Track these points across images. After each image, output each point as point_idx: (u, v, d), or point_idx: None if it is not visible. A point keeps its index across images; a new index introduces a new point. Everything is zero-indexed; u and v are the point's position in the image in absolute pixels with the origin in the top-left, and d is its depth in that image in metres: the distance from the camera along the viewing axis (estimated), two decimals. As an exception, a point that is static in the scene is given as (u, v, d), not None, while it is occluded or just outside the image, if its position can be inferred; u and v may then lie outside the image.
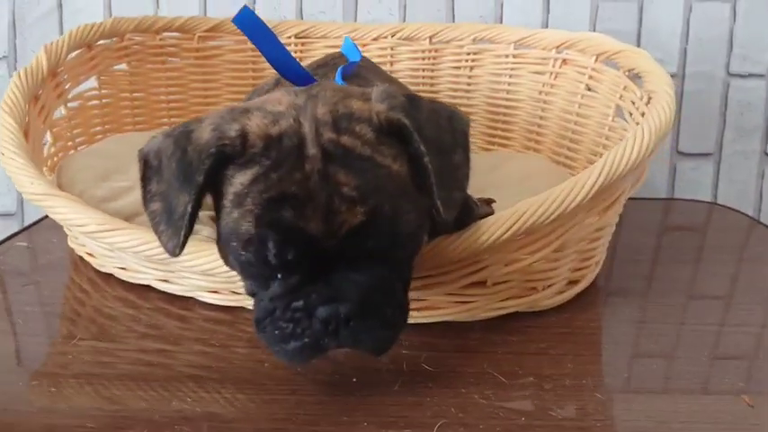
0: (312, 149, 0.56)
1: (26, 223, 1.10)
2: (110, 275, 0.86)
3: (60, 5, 1.25)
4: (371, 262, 0.56)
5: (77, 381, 0.65)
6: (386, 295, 0.57)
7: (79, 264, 0.90)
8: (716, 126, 1.28)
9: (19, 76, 0.89)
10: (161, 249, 0.69)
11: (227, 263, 0.62)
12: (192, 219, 0.56)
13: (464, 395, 0.63)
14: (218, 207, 0.59)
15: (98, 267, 0.86)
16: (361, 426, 0.58)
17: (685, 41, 1.25)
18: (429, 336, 0.72)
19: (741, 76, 1.26)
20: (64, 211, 0.72)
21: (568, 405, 0.62)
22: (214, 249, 0.70)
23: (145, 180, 0.60)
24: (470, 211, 0.67)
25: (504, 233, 0.66)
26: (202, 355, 0.70)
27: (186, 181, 0.56)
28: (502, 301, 0.75)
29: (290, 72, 0.73)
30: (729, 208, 1.19)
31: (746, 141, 1.28)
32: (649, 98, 0.83)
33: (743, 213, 1.16)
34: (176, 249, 0.57)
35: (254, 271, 0.57)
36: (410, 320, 0.72)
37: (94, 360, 0.69)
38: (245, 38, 1.17)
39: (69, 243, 0.91)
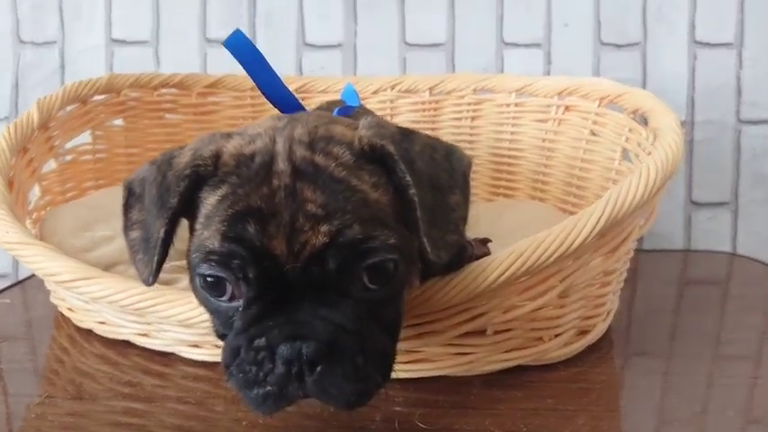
0: (282, 165, 0.52)
1: (19, 286, 1.08)
2: (90, 332, 0.81)
3: (62, 66, 1.26)
4: (344, 297, 0.51)
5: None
6: (360, 339, 0.51)
7: (61, 321, 0.86)
8: (730, 174, 1.24)
9: (8, 129, 0.88)
10: (137, 298, 0.66)
11: (197, 298, 0.58)
12: (166, 244, 0.54)
13: (463, 453, 0.56)
14: (192, 234, 0.56)
15: (78, 323, 0.82)
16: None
17: (692, 89, 1.23)
18: (424, 391, 0.66)
19: (752, 123, 1.23)
20: (37, 259, 0.69)
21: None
22: (192, 298, 0.66)
23: (126, 208, 0.58)
24: (463, 251, 0.62)
25: (502, 275, 0.60)
26: (179, 415, 0.65)
27: (162, 205, 0.54)
28: (504, 352, 0.69)
29: (281, 100, 0.70)
30: (751, 258, 1.13)
31: (763, 189, 1.23)
32: (655, 136, 0.79)
33: (765, 263, 1.10)
34: (150, 278, 0.54)
35: (217, 299, 0.53)
36: (403, 374, 0.66)
37: (70, 422, 0.64)
38: (244, 94, 1.19)
39: (51, 299, 0.88)
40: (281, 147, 0.54)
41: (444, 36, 1.24)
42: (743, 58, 1.22)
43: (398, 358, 0.58)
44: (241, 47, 0.69)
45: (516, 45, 1.24)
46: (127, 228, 0.58)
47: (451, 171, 0.57)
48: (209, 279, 0.52)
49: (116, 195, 0.91)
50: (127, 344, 0.78)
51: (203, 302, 0.55)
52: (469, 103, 1.13)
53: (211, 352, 0.72)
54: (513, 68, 1.23)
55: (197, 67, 1.25)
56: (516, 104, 1.09)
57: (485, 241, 0.69)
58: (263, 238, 0.50)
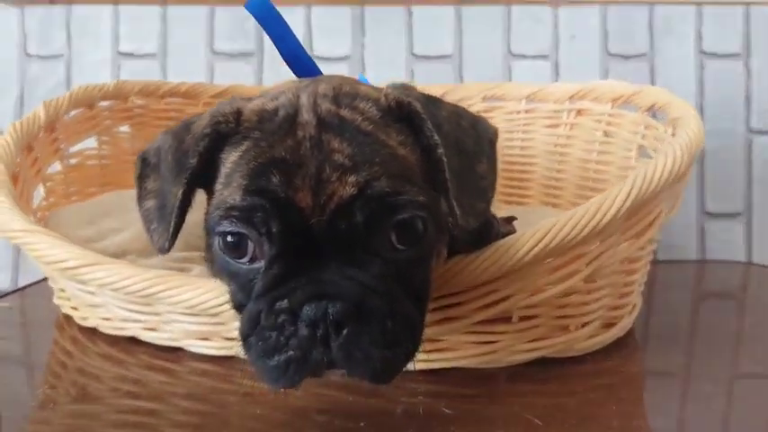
0: (307, 116, 0.50)
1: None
2: (94, 332, 0.78)
3: (68, 80, 1.25)
4: (372, 257, 0.48)
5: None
6: (389, 302, 0.48)
7: (63, 323, 0.83)
8: (742, 184, 1.22)
9: (14, 126, 0.86)
10: (145, 284, 0.63)
11: (212, 270, 0.55)
12: (183, 208, 0.51)
13: (493, 438, 0.53)
14: (210, 199, 0.53)
15: (81, 322, 0.79)
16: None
17: (701, 99, 1.22)
18: (447, 384, 0.63)
19: (763, 133, 1.22)
20: (42, 246, 0.66)
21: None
22: (201, 284, 0.63)
23: (141, 178, 0.56)
24: (490, 229, 0.60)
25: (530, 252, 0.58)
26: (188, 413, 0.61)
27: (180, 170, 0.51)
28: (529, 342, 0.66)
29: (301, 65, 0.68)
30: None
31: (777, 199, 1.22)
32: (675, 127, 0.78)
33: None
34: (165, 244, 0.51)
35: (236, 261, 0.50)
36: (425, 365, 0.63)
37: (74, 424, 0.60)
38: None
39: (55, 300, 0.84)
40: (305, 100, 0.52)
41: (452, 48, 1.24)
42: (750, 68, 1.22)
43: (420, 347, 0.55)
44: (263, 9, 0.67)
45: (524, 56, 1.24)
46: (141, 198, 0.55)
47: (478, 139, 0.55)
48: (229, 238, 0.49)
49: (122, 195, 0.90)
50: (132, 341, 0.74)
51: (222, 267, 0.52)
52: (479, 111, 1.12)
53: (221, 345, 0.69)
54: (520, 80, 1.23)
55: (204, 81, 1.24)
56: (527, 111, 1.09)
57: (510, 219, 0.67)
58: (287, 189, 0.47)
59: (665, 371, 0.69)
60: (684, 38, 1.22)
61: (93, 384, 0.67)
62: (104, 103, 1.03)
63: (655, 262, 0.92)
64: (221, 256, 0.51)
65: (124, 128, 1.07)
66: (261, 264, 0.49)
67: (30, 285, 0.98)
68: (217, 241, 0.50)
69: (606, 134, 0.98)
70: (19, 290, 0.98)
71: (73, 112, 0.97)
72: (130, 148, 1.07)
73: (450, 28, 1.24)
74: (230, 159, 0.51)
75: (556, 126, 1.05)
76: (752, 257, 1.21)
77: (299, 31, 1.23)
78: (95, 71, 1.24)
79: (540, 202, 1.07)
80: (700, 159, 1.22)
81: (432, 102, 0.55)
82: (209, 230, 0.51)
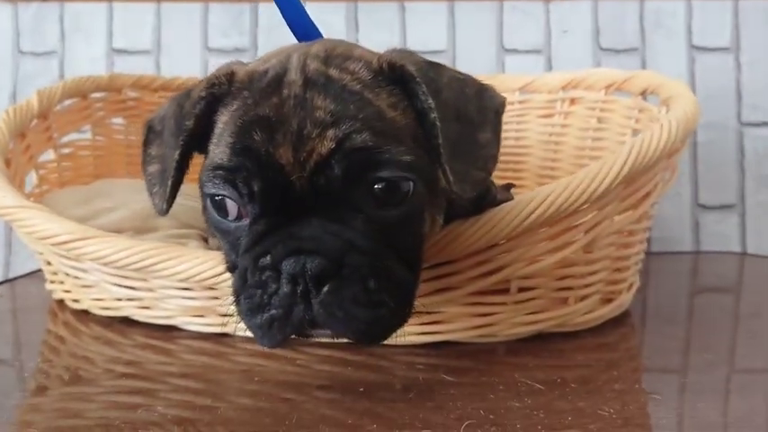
0: (294, 75, 0.51)
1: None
2: (86, 315, 0.77)
3: (62, 77, 1.24)
4: (354, 214, 0.48)
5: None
6: (373, 261, 0.47)
7: (56, 309, 0.81)
8: (735, 176, 1.23)
9: (7, 112, 0.85)
10: (139, 257, 0.62)
11: (208, 223, 0.55)
12: (180, 169, 0.52)
13: (494, 400, 0.52)
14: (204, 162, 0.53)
15: (74, 305, 0.78)
16: (370, 428, 0.47)
17: (692, 92, 1.23)
18: (445, 357, 0.62)
19: (754, 125, 1.23)
20: (35, 222, 0.65)
21: (620, 405, 0.51)
22: (198, 254, 0.62)
23: (146, 144, 0.56)
24: (486, 194, 0.59)
25: (527, 218, 0.58)
26: (184, 391, 0.59)
27: (178, 132, 0.52)
28: (528, 314, 0.65)
29: (305, 35, 0.68)
30: (763, 256, 1.11)
31: (769, 191, 1.22)
32: (669, 104, 0.78)
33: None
34: (164, 205, 0.52)
35: (225, 219, 0.50)
36: (423, 338, 0.63)
37: (67, 407, 0.57)
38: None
39: (47, 286, 0.83)
40: (294, 60, 0.52)
41: (445, 43, 1.25)
42: (741, 62, 1.23)
43: (417, 320, 0.54)
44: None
45: (516, 51, 1.24)
46: (145, 163, 0.56)
47: (482, 108, 0.54)
48: (216, 198, 0.50)
49: (115, 182, 0.90)
50: (126, 322, 0.73)
51: (214, 226, 0.52)
52: (473, 104, 1.12)
53: (215, 321, 0.68)
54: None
55: (198, 76, 1.24)
56: (520, 102, 1.09)
57: (508, 186, 0.67)
58: (269, 146, 0.47)
59: (663, 347, 0.69)
60: (675, 32, 1.23)
61: (85, 367, 0.65)
62: (98, 95, 1.03)
63: (649, 254, 0.92)
64: (212, 215, 0.51)
65: (117, 120, 1.06)
66: (247, 221, 0.50)
67: (20, 277, 0.97)
68: (207, 201, 0.51)
69: (600, 120, 0.98)
70: (8, 281, 0.97)
71: (66, 102, 0.97)
72: (124, 140, 1.06)
73: (442, 23, 1.25)
74: (222, 120, 0.52)
75: (550, 116, 1.05)
76: (746, 248, 1.22)
77: (292, 27, 1.24)
78: (89, 68, 1.23)
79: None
80: (693, 152, 1.22)
81: (433, 67, 0.55)
82: (201, 191, 0.52)
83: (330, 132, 0.47)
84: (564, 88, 1.04)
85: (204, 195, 0.51)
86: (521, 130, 1.09)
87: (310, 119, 0.48)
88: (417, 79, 0.51)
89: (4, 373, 0.67)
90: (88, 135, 1.02)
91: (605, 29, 1.23)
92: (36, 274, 1.00)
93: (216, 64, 1.24)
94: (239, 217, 0.50)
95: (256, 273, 0.47)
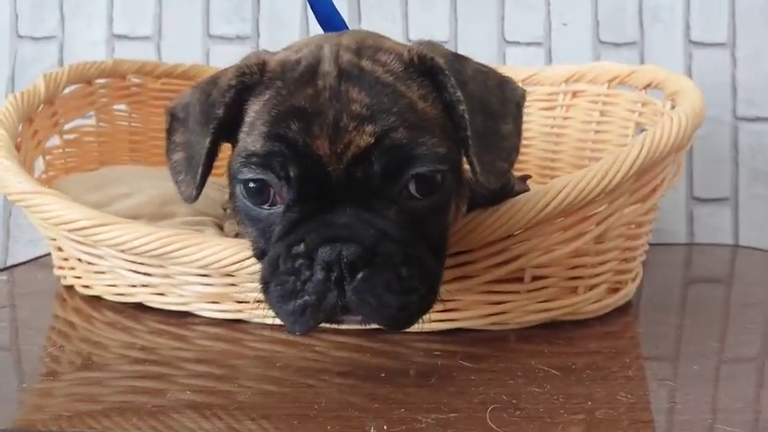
0: (328, 67, 0.51)
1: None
2: (98, 300, 0.77)
3: (61, 62, 1.23)
4: (387, 204, 0.49)
5: (57, 423, 0.51)
6: (405, 249, 0.48)
7: (65, 295, 0.81)
8: (729, 170, 1.25)
9: (15, 96, 0.85)
10: (159, 243, 0.63)
11: (239, 213, 0.55)
12: (210, 157, 0.52)
13: (514, 386, 0.53)
14: (235, 148, 0.54)
15: (85, 292, 0.78)
16: (397, 412, 0.49)
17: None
18: (460, 344, 0.63)
19: (749, 120, 1.25)
20: (53, 207, 0.66)
21: (635, 390, 0.52)
22: (219, 241, 0.63)
23: (170, 132, 0.56)
24: (506, 186, 0.61)
25: (544, 209, 0.59)
26: (199, 377, 0.59)
27: (207, 120, 0.52)
28: (540, 302, 0.67)
29: (330, 23, 0.68)
30: (754, 248, 1.14)
31: (762, 184, 1.25)
32: (675, 99, 0.80)
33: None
34: (193, 192, 0.52)
35: (258, 207, 0.51)
36: (437, 325, 0.64)
37: (80, 392, 0.57)
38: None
39: (55, 272, 0.83)
40: (327, 51, 0.53)
41: (447, 35, 1.25)
42: (736, 57, 1.25)
43: (434, 307, 0.55)
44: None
45: (518, 43, 1.26)
46: (169, 151, 0.56)
47: (504, 100, 0.56)
48: (250, 185, 0.50)
49: (124, 169, 0.89)
50: (139, 308, 0.74)
51: (244, 213, 0.53)
52: (475, 95, 1.13)
53: (231, 307, 0.68)
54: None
55: (200, 64, 1.23)
56: (522, 94, 1.10)
57: (524, 178, 0.68)
58: (305, 137, 0.48)
59: (664, 335, 0.70)
60: (672, 27, 1.25)
61: (98, 352, 0.65)
62: (101, 81, 1.03)
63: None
64: (243, 202, 0.52)
65: (121, 106, 1.06)
66: (280, 208, 0.50)
67: (19, 264, 0.97)
68: (239, 188, 0.52)
69: (602, 114, 1.00)
70: (8, 268, 0.96)
71: (71, 88, 0.96)
72: (127, 127, 1.06)
73: (444, 15, 1.25)
74: (253, 109, 0.52)
75: (552, 108, 1.07)
76: (738, 241, 1.24)
77: (295, 17, 1.24)
78: (89, 53, 1.22)
79: (537, 183, 1.08)
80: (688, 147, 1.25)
81: (458, 59, 0.56)
82: (232, 177, 0.52)
83: (368, 128, 0.48)
84: (566, 81, 1.05)
85: (236, 182, 0.52)
86: (523, 122, 1.10)
87: (346, 111, 0.48)
88: (446, 72, 0.52)
89: (11, 357, 0.67)
90: (92, 121, 1.02)
91: (605, 22, 1.25)
92: (38, 260, 0.99)
93: (217, 51, 1.25)
94: (273, 203, 0.50)
95: (288, 260, 0.48)
